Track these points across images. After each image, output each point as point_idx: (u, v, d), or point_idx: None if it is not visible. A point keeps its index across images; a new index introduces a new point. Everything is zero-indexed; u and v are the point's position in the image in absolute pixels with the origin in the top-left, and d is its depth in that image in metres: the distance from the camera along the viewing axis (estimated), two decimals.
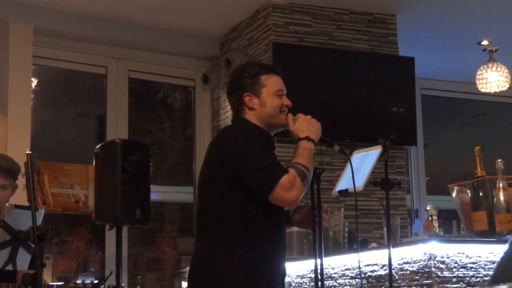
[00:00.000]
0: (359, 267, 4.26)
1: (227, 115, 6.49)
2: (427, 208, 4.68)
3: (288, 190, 2.72)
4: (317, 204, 2.90)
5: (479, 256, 3.93)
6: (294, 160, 2.82)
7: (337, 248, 4.67)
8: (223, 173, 2.80)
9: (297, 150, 2.85)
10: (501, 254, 2.28)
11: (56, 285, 3.63)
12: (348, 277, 4.47)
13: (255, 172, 2.75)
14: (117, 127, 6.48)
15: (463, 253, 3.91)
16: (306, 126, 2.88)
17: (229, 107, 6.38)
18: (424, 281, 3.88)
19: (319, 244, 2.91)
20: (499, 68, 5.69)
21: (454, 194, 4.25)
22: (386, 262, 3.75)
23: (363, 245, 4.68)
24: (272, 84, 2.96)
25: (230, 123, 3.10)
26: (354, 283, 4.39)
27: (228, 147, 2.81)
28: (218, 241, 2.78)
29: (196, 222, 2.96)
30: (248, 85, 2.94)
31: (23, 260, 3.43)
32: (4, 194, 3.63)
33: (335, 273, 4.57)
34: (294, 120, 2.91)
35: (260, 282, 2.77)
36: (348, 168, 3.24)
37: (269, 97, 2.93)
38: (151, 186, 4.42)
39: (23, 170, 3.01)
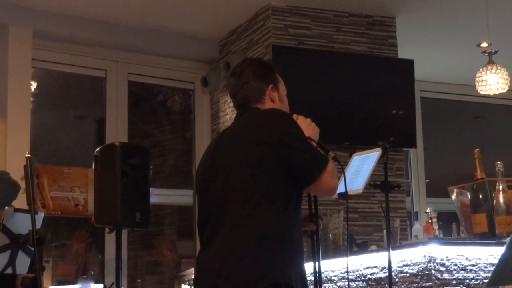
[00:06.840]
0: (347, 271, 4.27)
1: (226, 117, 6.48)
2: (427, 211, 4.68)
3: (333, 177, 2.62)
4: (314, 207, 2.89)
5: (479, 259, 3.93)
6: None
7: (336, 250, 4.67)
8: (264, 160, 2.60)
9: None
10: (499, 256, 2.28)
11: None
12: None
13: (306, 154, 2.60)
14: (117, 130, 6.47)
15: (463, 256, 3.91)
16: (306, 127, 2.86)
17: (228, 109, 6.47)
18: (424, 284, 3.88)
19: (317, 246, 2.90)
20: (498, 70, 5.68)
21: (453, 197, 4.26)
22: (386, 265, 3.75)
23: (363, 248, 4.68)
24: (283, 84, 2.95)
25: (233, 116, 2.99)
26: (353, 286, 4.38)
27: (272, 131, 2.63)
28: (263, 232, 2.53)
29: (220, 216, 2.61)
30: (271, 77, 2.90)
31: (23, 263, 3.43)
32: None
33: (334, 276, 4.56)
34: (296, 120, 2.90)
35: (302, 271, 2.62)
36: (347, 171, 3.25)
37: (283, 95, 2.92)
38: (151, 189, 4.42)
39: (22, 173, 3.00)
